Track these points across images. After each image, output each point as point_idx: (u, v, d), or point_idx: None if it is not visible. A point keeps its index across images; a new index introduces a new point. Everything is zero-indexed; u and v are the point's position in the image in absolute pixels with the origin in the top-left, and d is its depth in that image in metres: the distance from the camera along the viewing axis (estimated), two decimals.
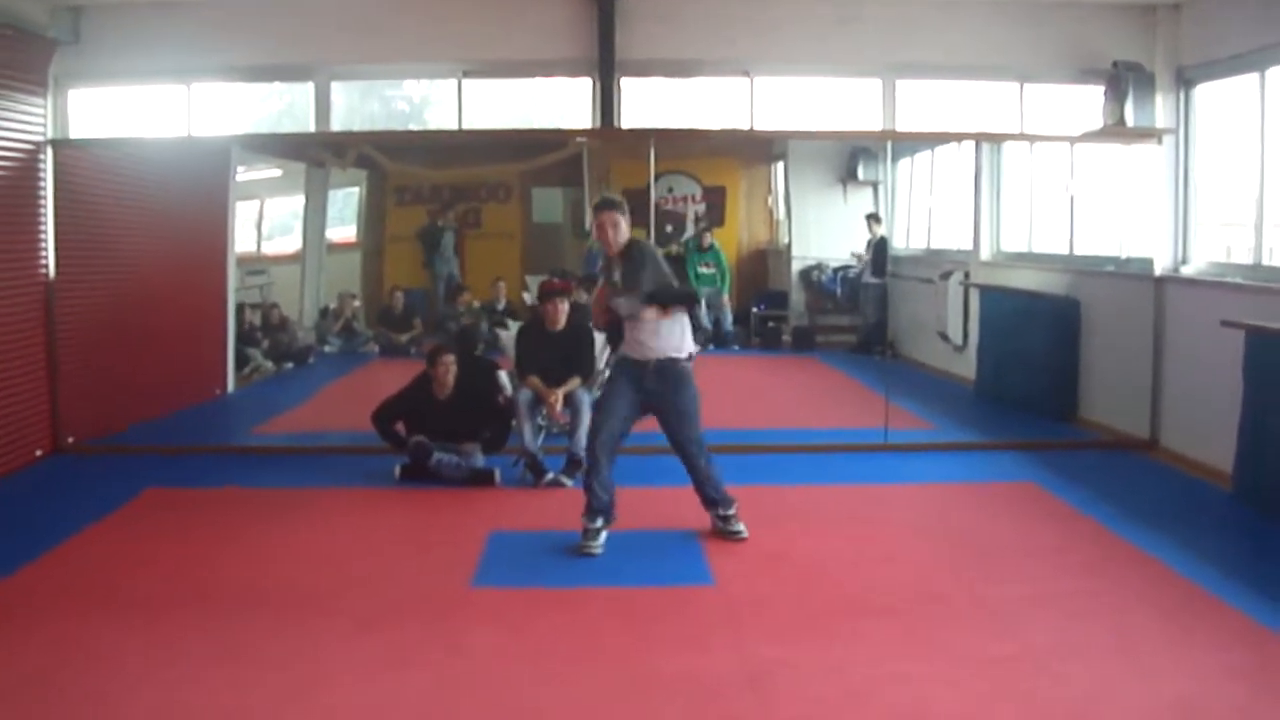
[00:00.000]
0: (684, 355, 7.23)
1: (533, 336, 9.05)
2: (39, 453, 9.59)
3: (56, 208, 9.78)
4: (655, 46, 10.60)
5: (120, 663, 5.30)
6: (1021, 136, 11.24)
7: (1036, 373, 10.96)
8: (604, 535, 7.11)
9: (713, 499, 7.38)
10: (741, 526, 7.31)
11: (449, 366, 8.84)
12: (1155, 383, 9.93)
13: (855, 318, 13.55)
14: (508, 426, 9.04)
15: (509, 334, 10.18)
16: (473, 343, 11.85)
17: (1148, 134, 9.93)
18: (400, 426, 8.96)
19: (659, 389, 7.18)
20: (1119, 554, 6.93)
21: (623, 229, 7.21)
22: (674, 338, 7.19)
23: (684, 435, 7.27)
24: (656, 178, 10.42)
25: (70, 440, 9.88)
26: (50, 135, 9.94)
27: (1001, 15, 10.48)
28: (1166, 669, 5.18)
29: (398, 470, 8.80)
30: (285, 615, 5.95)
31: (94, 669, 5.24)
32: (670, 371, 7.18)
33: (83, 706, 4.86)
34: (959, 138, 11.84)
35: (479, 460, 8.80)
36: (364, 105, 12.63)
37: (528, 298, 12.21)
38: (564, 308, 8.98)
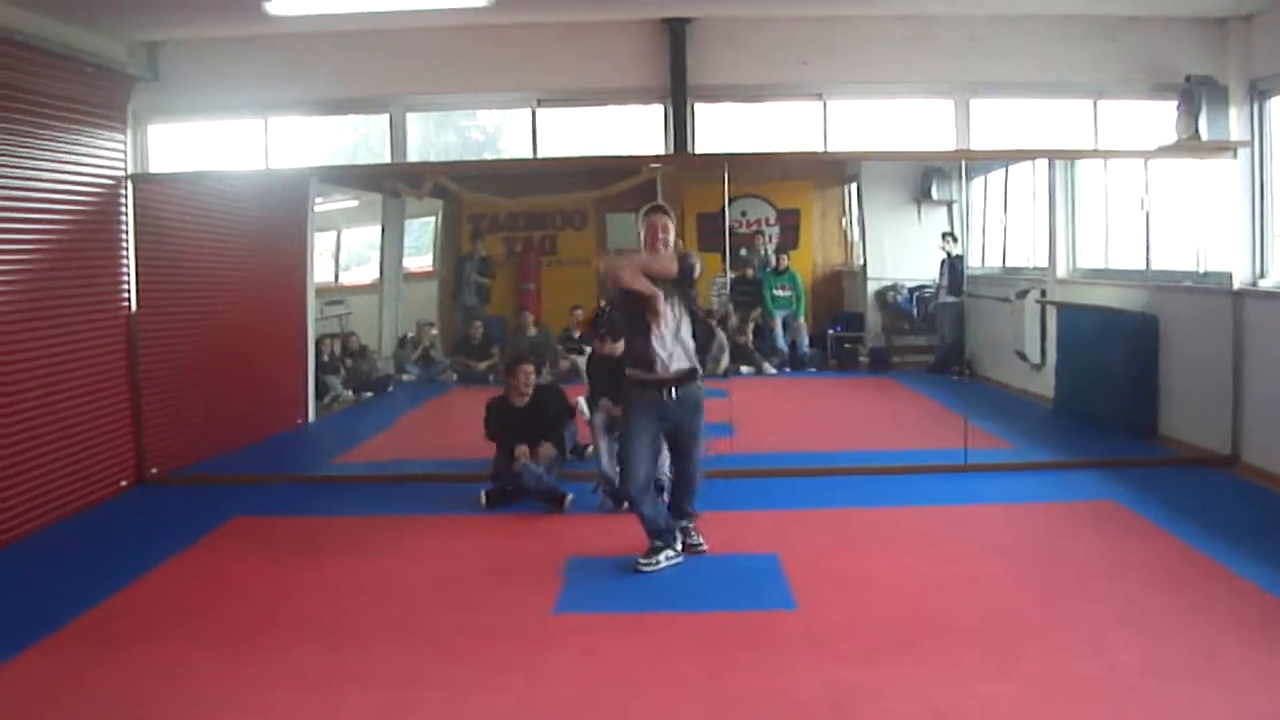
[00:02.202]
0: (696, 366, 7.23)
1: (605, 361, 9.07)
2: (124, 483, 9.78)
3: (137, 242, 9.99)
4: (727, 72, 10.70)
5: (208, 687, 5.42)
6: (1095, 153, 11.17)
7: (1115, 390, 10.85)
8: (665, 556, 7.18)
9: (688, 512, 7.46)
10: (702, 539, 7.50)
11: (528, 375, 9.13)
12: (1236, 397, 9.82)
13: (932, 338, 13.47)
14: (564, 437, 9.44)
15: (584, 360, 10.23)
16: (540, 362, 11.96)
17: (1222, 147, 9.86)
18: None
19: (678, 415, 7.16)
20: (1202, 571, 6.87)
21: (672, 234, 7.14)
22: (689, 345, 7.19)
23: (694, 454, 7.33)
24: (730, 202, 10.45)
25: (154, 471, 10.05)
26: (130, 170, 10.16)
27: (1072, 32, 10.46)
28: (1253, 687, 5.14)
29: (483, 496, 8.91)
30: (369, 641, 6.03)
31: (182, 693, 5.36)
32: (689, 397, 7.16)
33: None
34: (1032, 155, 11.76)
35: (555, 479, 8.98)
36: (439, 136, 12.74)
37: None
38: None
